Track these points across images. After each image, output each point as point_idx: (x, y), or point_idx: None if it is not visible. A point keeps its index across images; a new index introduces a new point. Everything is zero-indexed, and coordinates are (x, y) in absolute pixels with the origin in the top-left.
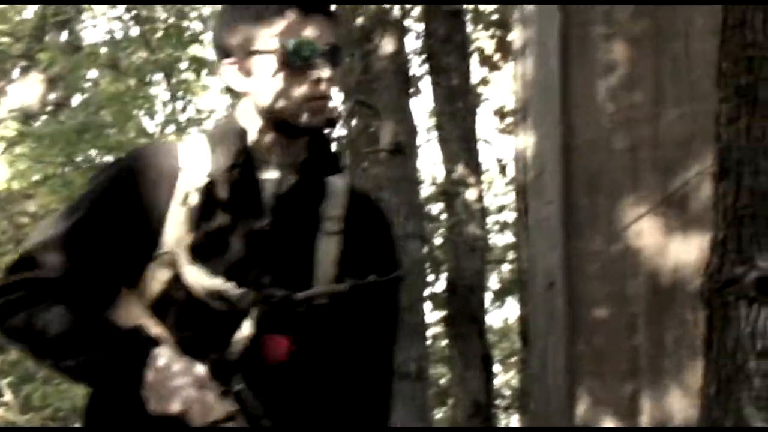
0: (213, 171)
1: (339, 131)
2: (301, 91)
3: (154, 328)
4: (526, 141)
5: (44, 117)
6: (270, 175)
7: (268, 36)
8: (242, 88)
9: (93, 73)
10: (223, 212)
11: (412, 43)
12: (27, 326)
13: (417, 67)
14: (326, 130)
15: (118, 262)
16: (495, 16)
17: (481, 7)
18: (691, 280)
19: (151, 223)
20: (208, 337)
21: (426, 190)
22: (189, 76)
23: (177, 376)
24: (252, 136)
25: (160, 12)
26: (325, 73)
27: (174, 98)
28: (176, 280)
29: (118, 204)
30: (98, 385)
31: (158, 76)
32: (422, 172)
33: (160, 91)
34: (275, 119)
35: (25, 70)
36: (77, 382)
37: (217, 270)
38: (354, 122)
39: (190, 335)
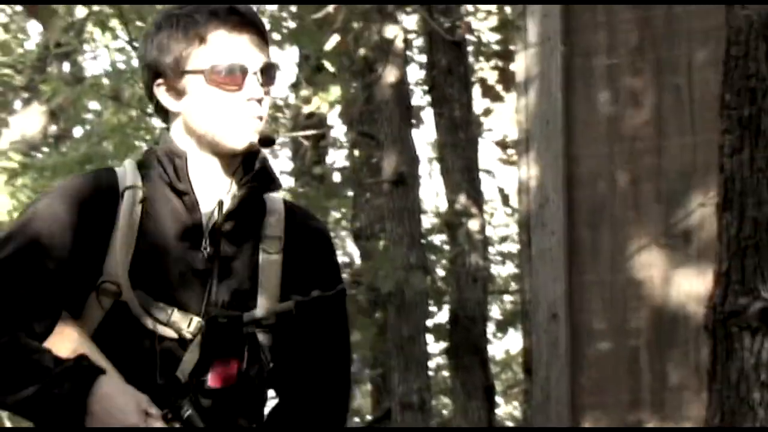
0: (150, 194)
1: (342, 162)
2: (229, 111)
3: (97, 357)
4: (529, 172)
5: (46, 148)
6: (209, 196)
7: (199, 55)
8: (174, 108)
9: (95, 105)
10: (162, 236)
11: (415, 73)
12: None
13: (419, 97)
14: (263, 150)
15: (58, 291)
16: (497, 47)
17: (484, 37)
18: (694, 311)
19: (91, 249)
20: (155, 363)
21: (428, 221)
22: None
23: (120, 406)
24: (189, 157)
25: None
26: (257, 92)
27: None
28: (119, 307)
29: (56, 230)
30: (43, 421)
31: None
32: (424, 203)
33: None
34: (206, 141)
35: (27, 102)
36: (24, 417)
37: (160, 295)
38: (356, 153)
39: (136, 362)
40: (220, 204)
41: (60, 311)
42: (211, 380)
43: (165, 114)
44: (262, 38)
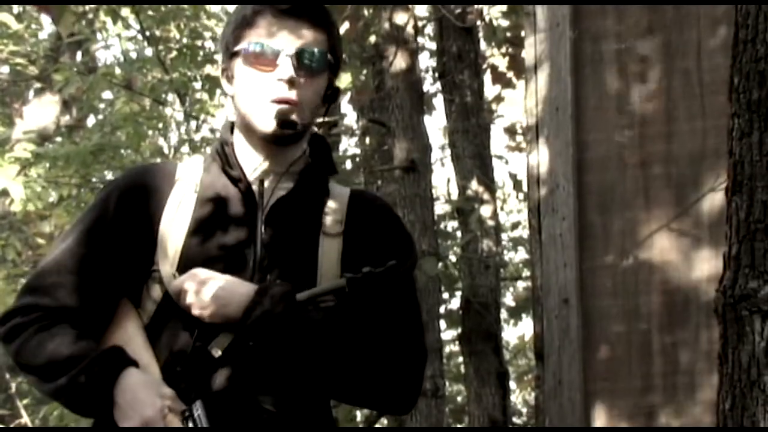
0: (208, 183)
1: (353, 149)
2: (261, 91)
3: (141, 349)
4: (538, 158)
5: (59, 138)
6: (264, 182)
7: (244, 38)
8: (230, 92)
9: (107, 94)
10: (217, 223)
11: (425, 60)
12: (26, 350)
13: (430, 84)
14: (307, 133)
15: (118, 281)
16: (508, 34)
17: (494, 23)
18: (705, 295)
19: (143, 239)
20: (191, 343)
21: (440, 208)
22: (203, 96)
23: (141, 399)
24: (239, 143)
25: (175, 32)
26: (286, 73)
27: (188, 118)
28: (170, 298)
29: (112, 223)
30: (76, 408)
31: (172, 96)
32: (436, 190)
33: (174, 111)
34: (245, 123)
35: (39, 92)
36: (61, 404)
37: None
38: (367, 140)
39: (180, 353)
40: (275, 189)
41: (115, 300)
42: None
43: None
44: (313, 26)
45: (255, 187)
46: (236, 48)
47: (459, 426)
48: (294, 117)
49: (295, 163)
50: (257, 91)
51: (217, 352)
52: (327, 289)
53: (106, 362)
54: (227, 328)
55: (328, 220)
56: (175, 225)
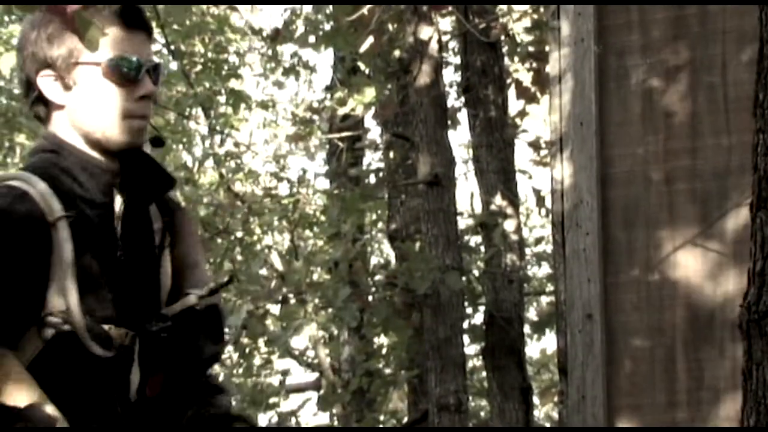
0: (79, 207)
1: (377, 164)
2: (123, 106)
3: (35, 392)
4: (562, 173)
5: None
6: (114, 199)
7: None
8: (60, 100)
9: None
10: (90, 254)
11: (450, 75)
12: None
13: (454, 99)
14: (149, 150)
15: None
16: (532, 48)
17: (518, 38)
18: (729, 311)
19: (32, 285)
20: (110, 390)
21: (463, 222)
22: (227, 110)
23: None
24: (76, 158)
25: (199, 46)
26: (149, 89)
27: (212, 132)
28: (62, 337)
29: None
30: None
31: (197, 110)
32: (460, 204)
33: (199, 124)
34: (94, 136)
35: None
36: None
37: (99, 316)
38: (391, 155)
39: (86, 389)
40: (120, 205)
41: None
42: (149, 390)
43: (44, 106)
44: (149, 37)
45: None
46: (86, 59)
47: None
48: (144, 134)
49: (125, 179)
50: (117, 104)
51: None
52: (180, 309)
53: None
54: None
55: (157, 232)
56: (67, 269)
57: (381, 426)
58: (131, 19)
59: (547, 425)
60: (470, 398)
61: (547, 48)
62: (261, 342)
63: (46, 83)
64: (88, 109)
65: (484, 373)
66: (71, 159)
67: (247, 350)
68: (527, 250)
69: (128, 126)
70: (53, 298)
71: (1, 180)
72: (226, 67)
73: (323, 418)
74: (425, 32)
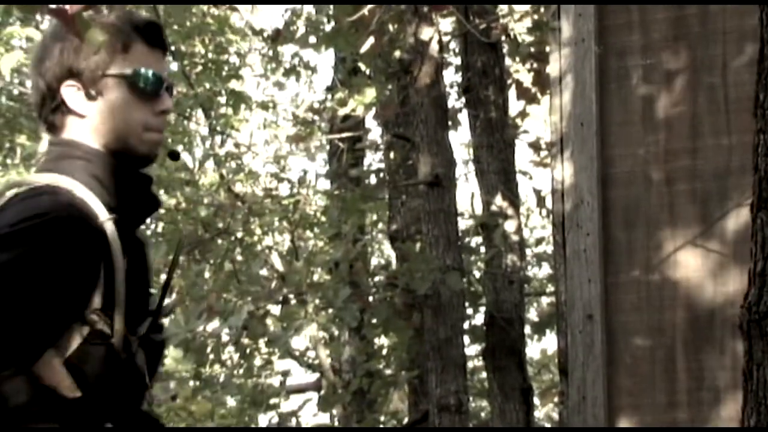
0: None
1: (378, 164)
2: (144, 119)
3: (70, 384)
4: (563, 173)
5: None
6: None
7: (122, 62)
8: (83, 110)
9: None
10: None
11: (450, 76)
12: None
13: (455, 100)
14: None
15: (49, 328)
16: (532, 49)
17: (519, 38)
18: (729, 311)
19: (84, 287)
20: (136, 392)
21: (464, 223)
22: (228, 110)
23: None
24: (104, 167)
25: (200, 47)
26: (168, 105)
27: (213, 132)
28: (96, 335)
29: (51, 278)
30: None
31: (198, 111)
32: (460, 205)
33: (199, 125)
34: (117, 145)
35: None
36: None
37: (127, 320)
38: (392, 155)
39: (114, 390)
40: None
41: (48, 344)
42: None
43: (61, 114)
44: (166, 56)
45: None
46: (114, 71)
47: None
48: (160, 147)
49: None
50: (138, 117)
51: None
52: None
53: None
54: None
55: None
56: (118, 271)
57: (382, 424)
58: (153, 37)
59: (548, 426)
60: (471, 399)
61: (547, 48)
62: (261, 342)
63: (70, 93)
64: (112, 120)
65: (484, 374)
66: (101, 167)
67: (248, 351)
68: (528, 251)
69: (148, 138)
70: (96, 296)
71: (45, 183)
72: (226, 68)
73: (324, 419)
74: (426, 33)
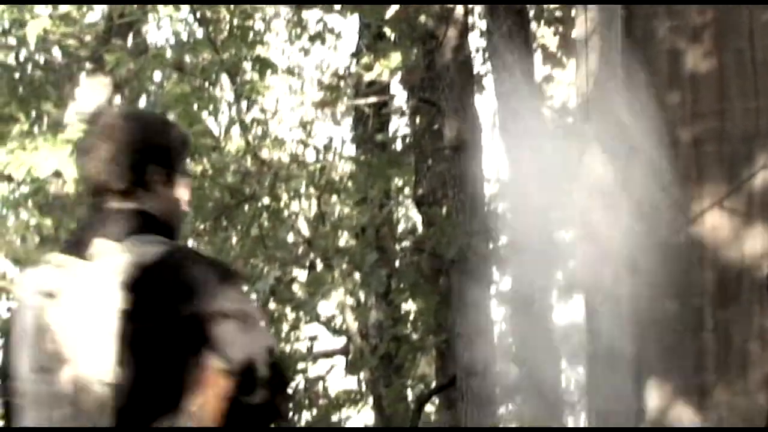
0: None
1: (403, 129)
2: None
3: None
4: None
5: None
6: None
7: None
8: (167, 194)
9: (158, 75)
10: None
11: (476, 40)
12: None
13: (480, 64)
14: None
15: None
16: (558, 13)
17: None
18: (757, 272)
19: None
20: None
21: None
22: (253, 76)
23: None
24: None
25: (225, 13)
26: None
27: (239, 99)
28: None
29: None
30: None
31: (223, 77)
32: (486, 170)
33: (225, 91)
34: (168, 224)
35: (91, 74)
36: None
37: None
38: (417, 120)
39: None
40: None
41: None
42: None
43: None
44: None
45: None
46: (184, 170)
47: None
48: None
49: None
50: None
51: None
52: None
53: None
54: None
55: None
56: None
57: (410, 388)
58: None
59: (574, 389)
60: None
61: (573, 12)
62: (289, 308)
63: (163, 178)
64: (178, 203)
65: (511, 339)
66: None
67: (275, 316)
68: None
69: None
70: None
71: (180, 245)
72: (251, 34)
73: (351, 382)
74: None
